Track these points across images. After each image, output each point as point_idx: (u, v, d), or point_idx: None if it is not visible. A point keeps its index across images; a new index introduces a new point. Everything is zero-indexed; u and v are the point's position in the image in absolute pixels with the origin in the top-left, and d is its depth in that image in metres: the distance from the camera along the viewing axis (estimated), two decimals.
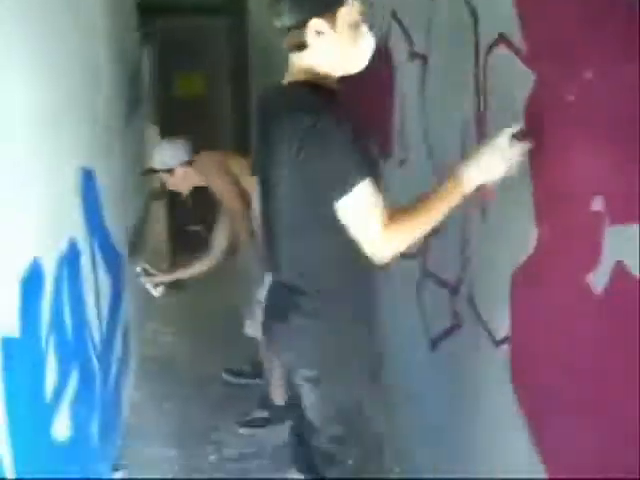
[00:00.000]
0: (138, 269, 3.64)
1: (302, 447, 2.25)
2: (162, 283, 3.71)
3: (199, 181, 3.50)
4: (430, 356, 2.82)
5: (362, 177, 1.76)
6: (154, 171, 3.58)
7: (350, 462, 2.09)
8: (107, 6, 3.52)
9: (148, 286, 3.66)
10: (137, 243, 4.02)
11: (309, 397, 2.09)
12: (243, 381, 3.91)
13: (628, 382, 1.46)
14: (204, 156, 3.52)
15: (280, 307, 2.09)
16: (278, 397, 3.44)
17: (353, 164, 1.77)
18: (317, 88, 1.87)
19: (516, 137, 1.74)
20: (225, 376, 3.95)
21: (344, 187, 1.76)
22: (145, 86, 4.99)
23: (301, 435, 2.25)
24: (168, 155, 3.48)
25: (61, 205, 2.40)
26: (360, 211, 1.79)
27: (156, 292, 3.68)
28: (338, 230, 1.84)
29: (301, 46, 1.86)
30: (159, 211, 5.17)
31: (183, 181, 3.52)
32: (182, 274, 3.77)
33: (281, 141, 1.87)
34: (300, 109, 1.82)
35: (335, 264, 1.98)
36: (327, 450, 2.12)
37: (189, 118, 5.34)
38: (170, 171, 3.48)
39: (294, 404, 2.26)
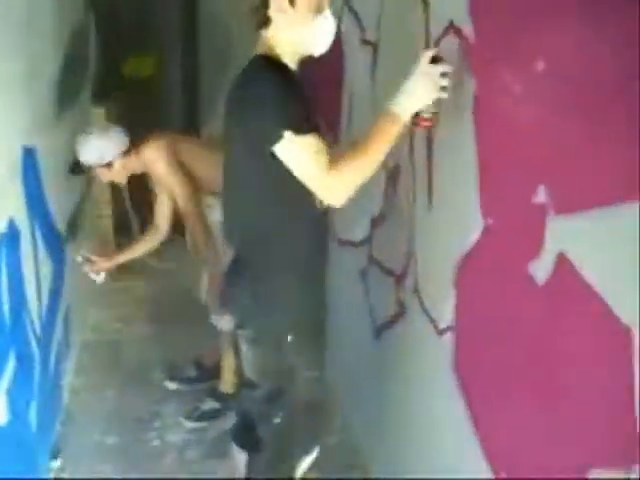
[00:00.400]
0: (79, 258, 3.47)
1: (245, 426, 2.37)
2: (104, 269, 3.51)
3: (139, 169, 3.19)
4: (374, 343, 2.83)
5: (298, 130, 1.86)
6: (83, 168, 3.15)
7: (275, 421, 2.22)
8: None
9: (91, 274, 3.48)
10: (76, 223, 3.88)
11: (247, 355, 2.24)
12: (187, 388, 3.65)
13: (571, 371, 1.48)
14: (152, 143, 3.14)
15: (231, 272, 2.21)
16: (228, 385, 3.39)
17: (283, 117, 1.86)
18: (273, 62, 1.95)
19: (437, 60, 1.81)
20: (168, 383, 3.68)
21: (273, 137, 1.86)
22: (92, 66, 4.86)
23: (245, 414, 2.39)
24: (104, 147, 3.07)
25: (0, 184, 2.33)
26: (302, 161, 1.89)
27: (99, 278, 3.51)
28: (274, 191, 1.98)
29: (266, 22, 1.97)
30: (101, 192, 4.89)
31: (122, 172, 3.18)
32: (123, 258, 3.54)
33: (231, 103, 2.00)
34: (249, 72, 1.96)
35: (273, 227, 2.06)
36: (258, 407, 2.27)
37: (138, 98, 5.25)
38: (108, 165, 3.10)
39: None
